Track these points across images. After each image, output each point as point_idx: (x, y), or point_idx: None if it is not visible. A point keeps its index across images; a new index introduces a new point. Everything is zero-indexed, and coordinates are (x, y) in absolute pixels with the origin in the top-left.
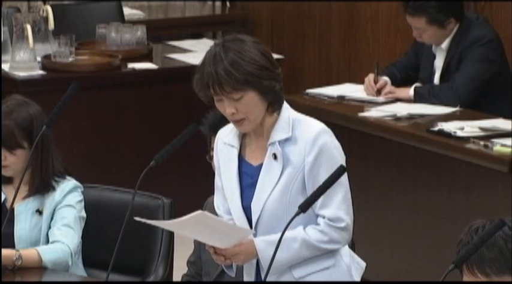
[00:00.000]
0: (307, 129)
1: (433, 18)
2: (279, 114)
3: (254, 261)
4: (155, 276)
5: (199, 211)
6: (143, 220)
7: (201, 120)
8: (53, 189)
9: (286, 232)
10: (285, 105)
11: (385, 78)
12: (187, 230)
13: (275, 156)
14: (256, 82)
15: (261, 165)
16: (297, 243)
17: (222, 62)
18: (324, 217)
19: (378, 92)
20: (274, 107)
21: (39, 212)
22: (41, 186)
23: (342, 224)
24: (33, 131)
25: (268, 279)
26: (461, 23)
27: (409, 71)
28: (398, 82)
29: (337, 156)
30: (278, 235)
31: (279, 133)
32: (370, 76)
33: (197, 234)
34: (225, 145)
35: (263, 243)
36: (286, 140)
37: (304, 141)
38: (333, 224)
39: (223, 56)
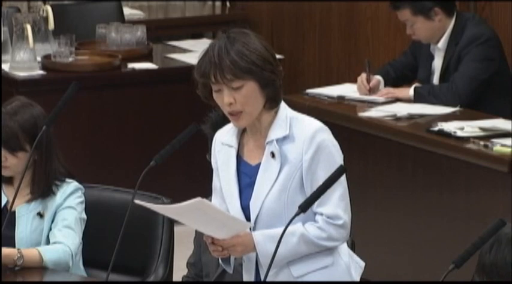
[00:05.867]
0: (305, 127)
1: (417, 8)
2: (276, 112)
3: (253, 258)
4: (155, 276)
5: (198, 198)
6: (143, 203)
7: (203, 119)
8: (53, 193)
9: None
10: (283, 104)
11: (378, 77)
12: (186, 217)
13: (273, 155)
14: (258, 72)
15: (259, 164)
16: (295, 238)
17: (228, 52)
18: (322, 215)
19: (371, 91)
20: (271, 104)
21: (41, 215)
22: (45, 190)
23: (340, 222)
24: (37, 135)
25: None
26: (457, 21)
27: (406, 70)
28: (392, 81)
29: (335, 154)
30: (277, 230)
31: (276, 132)
32: (363, 76)
33: (195, 222)
34: (223, 146)
35: (261, 237)
36: (284, 138)
37: (302, 139)
38: (331, 222)
39: (229, 47)
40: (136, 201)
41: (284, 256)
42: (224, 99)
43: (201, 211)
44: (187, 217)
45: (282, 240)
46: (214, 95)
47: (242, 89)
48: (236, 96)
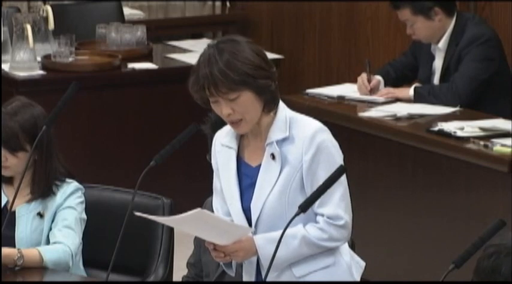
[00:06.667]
0: (305, 127)
1: (417, 8)
2: (275, 113)
3: (254, 260)
4: (155, 276)
5: (198, 209)
6: (143, 214)
7: (203, 119)
8: (54, 193)
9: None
10: (281, 105)
11: (378, 78)
12: (186, 227)
13: (273, 156)
14: (251, 82)
15: (260, 166)
16: (297, 240)
17: (217, 63)
18: (323, 215)
19: (371, 91)
20: (270, 107)
21: (41, 215)
22: (45, 190)
23: (341, 222)
24: (37, 135)
25: (269, 277)
26: (457, 21)
27: (406, 70)
28: (392, 81)
29: (335, 154)
30: (277, 232)
31: (276, 133)
32: (363, 76)
33: (197, 230)
34: (223, 147)
35: (262, 240)
36: (284, 140)
37: (302, 140)
38: (332, 222)
39: (217, 58)
40: (137, 213)
41: (286, 259)
42: (222, 110)
43: (201, 220)
44: (188, 226)
45: (284, 243)
46: (212, 105)
47: (238, 99)
48: (234, 106)
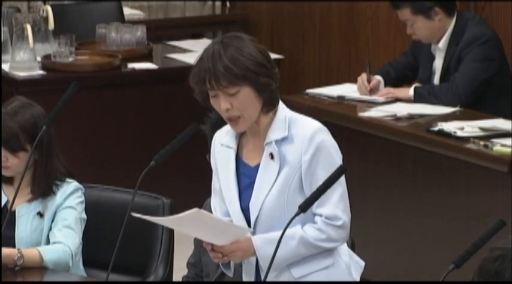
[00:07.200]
0: (304, 127)
1: (417, 8)
2: (274, 113)
3: (253, 261)
4: (155, 276)
5: (195, 209)
6: (141, 216)
7: (203, 119)
8: (54, 193)
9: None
10: (281, 105)
11: (378, 78)
12: (184, 227)
13: (272, 156)
14: (253, 77)
15: (258, 165)
16: (295, 241)
17: (221, 58)
18: (321, 216)
19: (371, 91)
20: (269, 107)
21: (41, 215)
22: (45, 190)
23: (339, 223)
24: (37, 135)
25: (268, 277)
26: (457, 21)
27: (406, 70)
28: (392, 81)
29: (334, 154)
30: (276, 233)
31: (275, 133)
32: (363, 76)
33: (195, 231)
34: (222, 147)
35: (261, 241)
36: (283, 139)
37: (301, 140)
38: (331, 223)
39: (222, 52)
40: (134, 214)
41: (284, 259)
42: (221, 105)
43: (199, 220)
44: (186, 226)
45: (282, 244)
46: (211, 100)
47: (238, 95)
48: (233, 101)
